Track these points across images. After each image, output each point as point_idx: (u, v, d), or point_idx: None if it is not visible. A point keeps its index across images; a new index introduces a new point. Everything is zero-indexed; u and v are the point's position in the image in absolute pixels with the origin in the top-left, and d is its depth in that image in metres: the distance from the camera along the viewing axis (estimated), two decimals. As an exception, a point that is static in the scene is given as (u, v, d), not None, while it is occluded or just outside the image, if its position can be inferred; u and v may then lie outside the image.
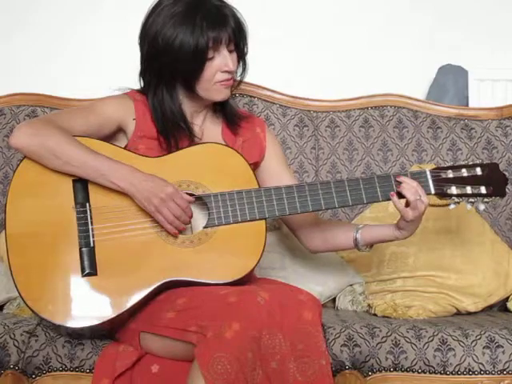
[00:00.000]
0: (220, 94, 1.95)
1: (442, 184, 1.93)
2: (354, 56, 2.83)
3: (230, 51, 1.92)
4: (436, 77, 2.78)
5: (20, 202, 1.83)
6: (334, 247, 2.09)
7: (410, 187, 1.88)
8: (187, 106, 1.98)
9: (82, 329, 1.80)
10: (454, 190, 1.92)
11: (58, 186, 1.83)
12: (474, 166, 1.95)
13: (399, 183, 1.90)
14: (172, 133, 1.94)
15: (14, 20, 2.78)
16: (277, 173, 2.05)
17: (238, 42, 1.93)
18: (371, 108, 2.56)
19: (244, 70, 2.00)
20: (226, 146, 1.96)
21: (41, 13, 2.78)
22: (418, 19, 2.84)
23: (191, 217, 1.83)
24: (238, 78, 2.01)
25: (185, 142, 1.95)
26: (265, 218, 1.87)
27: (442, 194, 1.94)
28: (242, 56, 1.97)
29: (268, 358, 1.62)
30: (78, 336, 1.86)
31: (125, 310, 1.78)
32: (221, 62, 1.90)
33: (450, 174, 1.94)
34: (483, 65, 2.78)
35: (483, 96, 2.75)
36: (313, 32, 2.82)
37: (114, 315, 1.78)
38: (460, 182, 1.93)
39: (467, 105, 2.74)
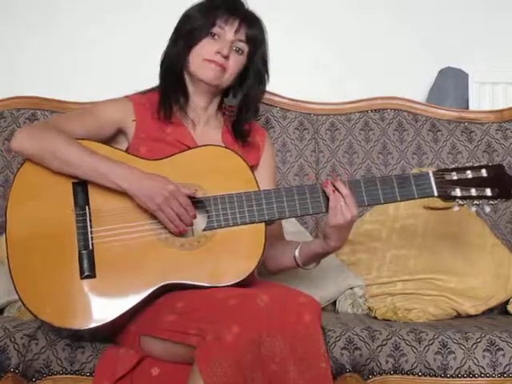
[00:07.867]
0: (206, 72, 1.97)
1: (445, 186, 1.89)
2: (355, 59, 2.83)
3: (237, 50, 1.97)
4: (436, 80, 2.78)
5: (21, 206, 1.83)
6: (281, 266, 2.03)
7: (335, 194, 1.85)
8: (194, 97, 2.02)
9: (82, 331, 1.80)
10: (458, 192, 1.89)
11: (58, 189, 1.84)
12: (480, 167, 1.91)
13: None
14: (168, 100, 1.98)
15: (13, 23, 2.79)
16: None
17: (250, 46, 1.99)
18: (371, 111, 2.56)
19: (260, 83, 2.05)
20: (225, 147, 1.95)
21: (41, 16, 2.79)
22: (419, 22, 2.85)
23: (194, 216, 1.83)
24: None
25: (178, 125, 1.99)
26: (264, 221, 1.87)
27: (445, 197, 1.90)
28: (253, 67, 2.02)
29: (268, 360, 1.62)
30: (78, 339, 1.86)
31: (124, 312, 1.78)
32: (219, 44, 1.95)
33: (455, 176, 1.90)
34: (483, 68, 2.78)
35: (483, 99, 2.75)
36: (313, 35, 2.83)
37: (113, 317, 1.78)
38: (465, 184, 1.89)
39: (467, 108, 2.74)
